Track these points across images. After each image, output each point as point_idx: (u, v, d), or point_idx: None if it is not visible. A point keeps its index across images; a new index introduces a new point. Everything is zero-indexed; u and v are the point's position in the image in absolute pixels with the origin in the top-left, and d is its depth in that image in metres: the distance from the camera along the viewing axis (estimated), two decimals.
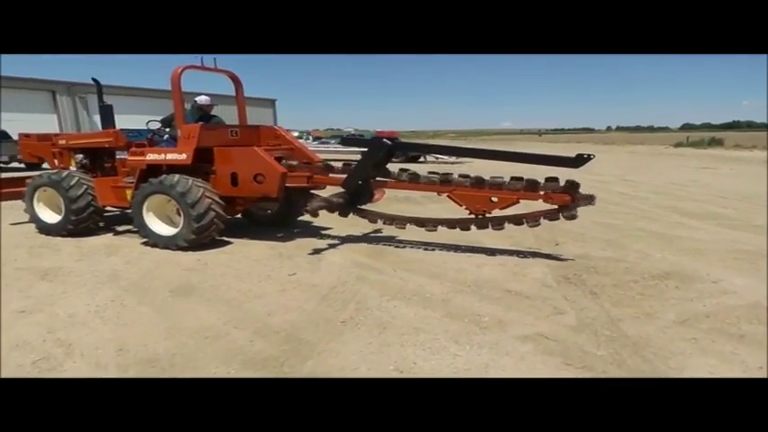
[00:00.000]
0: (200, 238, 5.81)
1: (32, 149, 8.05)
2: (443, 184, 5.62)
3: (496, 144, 50.33)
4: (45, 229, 6.81)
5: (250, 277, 4.78)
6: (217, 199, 5.93)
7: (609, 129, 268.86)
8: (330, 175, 6.18)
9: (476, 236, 6.04)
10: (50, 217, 6.83)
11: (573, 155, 5.23)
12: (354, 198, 6.08)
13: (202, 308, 3.97)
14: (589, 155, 5.13)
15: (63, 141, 7.51)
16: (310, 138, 40.27)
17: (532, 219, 5.36)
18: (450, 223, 5.77)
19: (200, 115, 6.99)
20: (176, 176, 5.87)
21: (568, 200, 5.14)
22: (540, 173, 5.37)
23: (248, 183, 6.06)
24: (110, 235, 6.77)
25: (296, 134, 49.06)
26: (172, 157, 6.15)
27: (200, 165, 6.21)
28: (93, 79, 7.66)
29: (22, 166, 17.93)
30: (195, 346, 3.26)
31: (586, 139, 66.67)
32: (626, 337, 3.38)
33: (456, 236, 5.91)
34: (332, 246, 6.08)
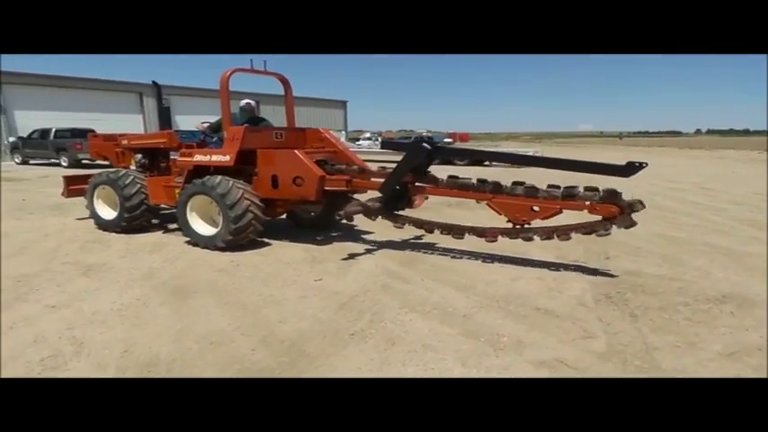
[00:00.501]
0: (238, 239, 5.87)
1: (99, 149, 8.51)
2: (482, 191, 5.36)
3: (569, 148, 48.56)
4: (102, 225, 7.15)
5: (275, 281, 4.75)
6: (256, 201, 5.98)
7: (698, 132, 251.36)
8: (372, 179, 6.07)
9: (521, 246, 5.70)
10: (108, 213, 7.16)
11: (623, 163, 4.82)
12: (392, 203, 5.94)
13: (219, 311, 3.97)
14: (641, 163, 4.71)
15: (125, 142, 7.88)
16: (379, 139, 40.47)
17: (580, 230, 4.99)
18: (491, 233, 5.47)
19: (249, 117, 7.10)
20: (219, 178, 5.97)
21: (615, 211, 4.73)
22: (601, 182, 4.97)
23: (288, 185, 6.07)
24: (160, 233, 7.01)
25: (367, 135, 49.77)
26: (216, 158, 6.27)
27: (245, 167, 6.29)
28: (154, 82, 8.02)
29: (107, 163, 19.22)
30: (197, 352, 3.23)
31: (670, 144, 62.91)
32: (658, 369, 3.02)
33: (499, 245, 5.57)
34: (367, 251, 5.96)
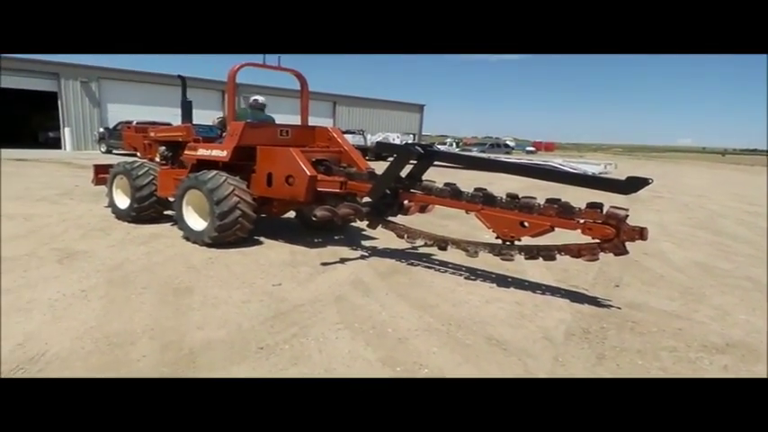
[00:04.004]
0: (224, 236, 5.73)
1: (130, 140, 8.78)
2: (471, 201, 4.88)
3: (656, 163, 45.31)
4: (117, 213, 7.32)
5: (233, 283, 4.53)
6: (246, 198, 5.82)
7: None
8: (373, 183, 5.70)
9: (522, 265, 5.09)
10: (123, 203, 7.31)
11: (624, 178, 4.18)
12: (382, 209, 5.57)
13: (149, 309, 3.80)
14: (646, 179, 4.05)
15: (153, 134, 8.06)
16: (460, 145, 41.13)
17: (569, 252, 4.40)
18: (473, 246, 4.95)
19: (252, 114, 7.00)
20: (213, 172, 5.88)
21: (610, 233, 4.10)
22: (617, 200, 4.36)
23: (281, 184, 5.87)
24: (168, 225, 7.04)
25: (449, 140, 49.40)
26: (216, 153, 6.20)
27: (247, 164, 6.17)
28: (179, 76, 8.06)
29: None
30: (86, 353, 3.05)
31: None
32: None
33: (501, 262, 4.91)
34: (355, 258, 5.63)
